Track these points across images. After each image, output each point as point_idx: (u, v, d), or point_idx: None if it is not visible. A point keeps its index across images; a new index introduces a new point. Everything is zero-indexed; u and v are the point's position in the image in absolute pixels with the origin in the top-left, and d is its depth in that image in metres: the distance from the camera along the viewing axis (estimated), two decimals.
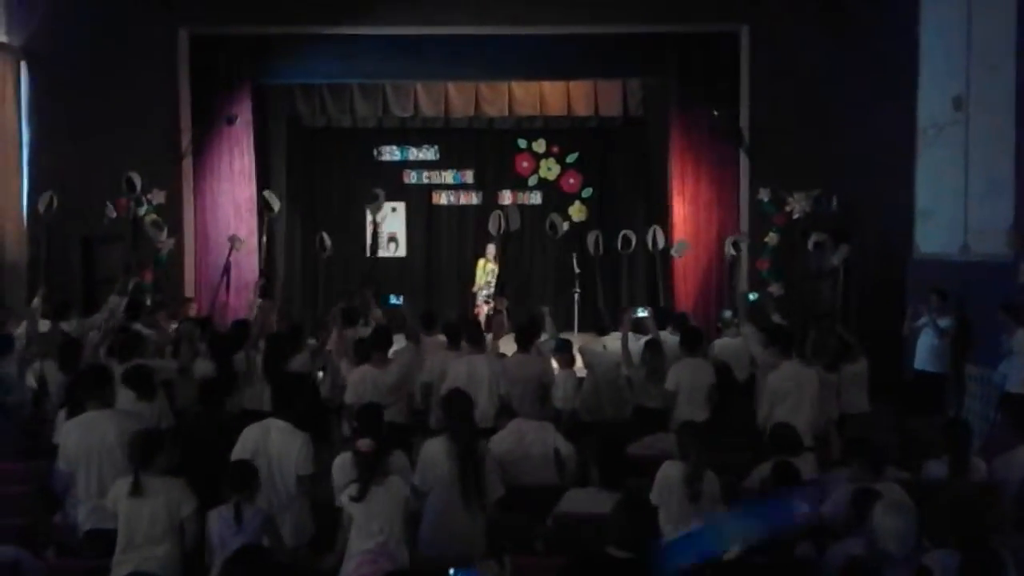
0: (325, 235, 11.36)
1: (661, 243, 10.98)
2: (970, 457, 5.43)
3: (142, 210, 10.91)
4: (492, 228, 11.23)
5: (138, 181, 10.60)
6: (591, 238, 11.20)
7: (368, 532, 4.38)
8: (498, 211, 11.44)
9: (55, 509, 5.33)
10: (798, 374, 6.63)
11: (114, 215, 10.66)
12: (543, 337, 7.92)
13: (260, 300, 8.76)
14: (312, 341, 8.01)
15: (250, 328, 7.32)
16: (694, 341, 7.27)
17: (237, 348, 6.92)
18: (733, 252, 10.85)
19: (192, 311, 9.66)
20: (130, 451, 4.58)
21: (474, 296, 12.80)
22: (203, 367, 6.77)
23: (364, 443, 4.52)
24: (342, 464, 4.91)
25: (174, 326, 8.31)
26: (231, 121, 11.54)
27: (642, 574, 3.70)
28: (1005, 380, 7.61)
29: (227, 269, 10.62)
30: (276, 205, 11.28)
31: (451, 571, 3.76)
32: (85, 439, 4.96)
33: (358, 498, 4.42)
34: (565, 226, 11.88)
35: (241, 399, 6.70)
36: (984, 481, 5.38)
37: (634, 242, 11.24)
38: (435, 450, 4.96)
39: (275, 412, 5.13)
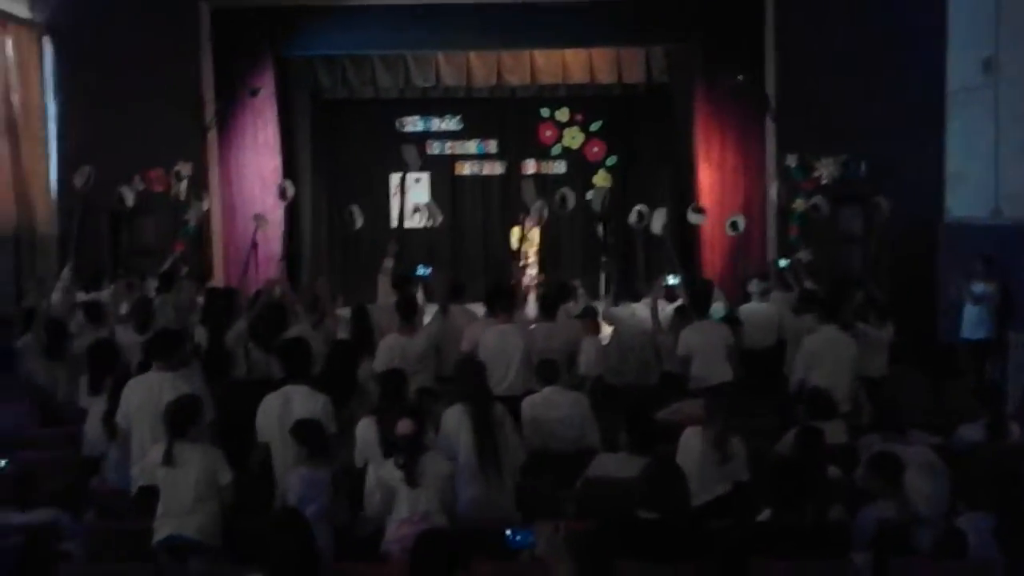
0: (356, 209, 11.11)
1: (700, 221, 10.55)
2: (1006, 420, 5.40)
3: (182, 185, 11.00)
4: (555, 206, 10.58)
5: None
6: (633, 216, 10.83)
7: (409, 502, 4.34)
8: (564, 190, 10.67)
9: (93, 472, 5.42)
10: (836, 338, 6.60)
11: (141, 187, 10.70)
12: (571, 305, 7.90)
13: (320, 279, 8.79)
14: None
15: (235, 299, 7.41)
16: (702, 303, 7.23)
17: (226, 320, 6.87)
18: (732, 232, 10.40)
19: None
20: (165, 419, 4.62)
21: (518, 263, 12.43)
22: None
23: (404, 424, 4.34)
24: (366, 427, 4.99)
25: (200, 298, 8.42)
26: (254, 93, 11.54)
27: (671, 536, 3.71)
28: None
29: (254, 245, 10.68)
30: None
31: (507, 532, 3.76)
32: (144, 398, 5.05)
33: (409, 483, 4.30)
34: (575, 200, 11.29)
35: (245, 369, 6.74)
36: (1019, 444, 5.35)
37: (647, 217, 10.83)
38: (453, 419, 4.97)
39: (288, 379, 5.17)
